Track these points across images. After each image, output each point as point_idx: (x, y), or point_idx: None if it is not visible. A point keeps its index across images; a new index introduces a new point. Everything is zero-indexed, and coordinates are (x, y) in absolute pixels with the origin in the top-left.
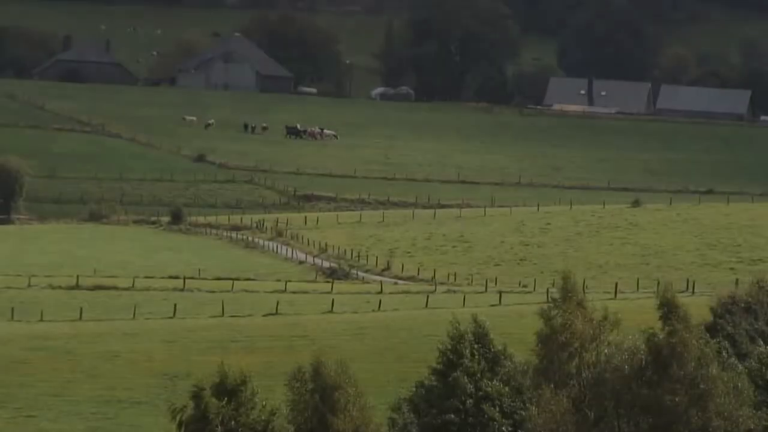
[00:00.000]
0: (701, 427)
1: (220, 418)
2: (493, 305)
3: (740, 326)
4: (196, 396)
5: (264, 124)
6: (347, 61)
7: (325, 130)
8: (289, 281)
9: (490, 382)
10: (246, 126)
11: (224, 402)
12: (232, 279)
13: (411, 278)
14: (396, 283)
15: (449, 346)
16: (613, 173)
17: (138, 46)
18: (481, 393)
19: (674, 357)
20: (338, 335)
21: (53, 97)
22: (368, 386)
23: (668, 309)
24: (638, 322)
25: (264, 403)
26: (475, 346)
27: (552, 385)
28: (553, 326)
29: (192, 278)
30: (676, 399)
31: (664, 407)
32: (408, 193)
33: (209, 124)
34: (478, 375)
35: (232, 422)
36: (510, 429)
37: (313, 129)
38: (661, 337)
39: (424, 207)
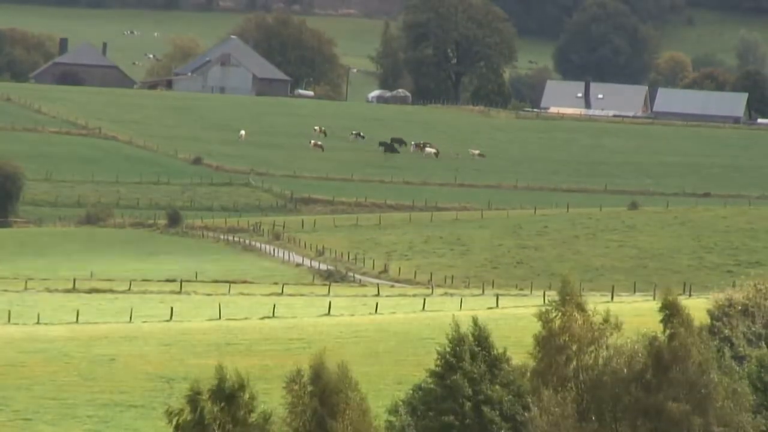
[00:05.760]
0: None
1: (217, 423)
2: (490, 308)
3: (737, 329)
4: (193, 400)
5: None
6: (353, 70)
7: (426, 147)
8: (286, 284)
9: (490, 385)
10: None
11: (222, 406)
12: (229, 282)
13: (408, 281)
14: (393, 286)
15: (449, 349)
16: (609, 176)
17: (134, 49)
18: (481, 396)
19: (675, 361)
20: (335, 338)
21: (50, 100)
22: (365, 389)
23: (670, 312)
24: (635, 325)
25: (262, 407)
26: (476, 349)
27: (552, 388)
28: (552, 329)
29: (189, 281)
30: (677, 404)
31: (664, 412)
32: (405, 196)
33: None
34: (478, 379)
35: (230, 426)
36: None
37: (419, 143)
38: (662, 340)
39: (421, 210)
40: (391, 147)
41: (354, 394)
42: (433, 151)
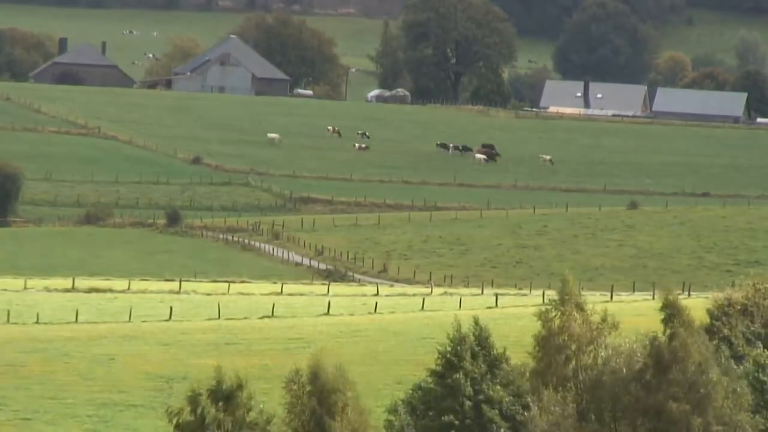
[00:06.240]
0: None
1: (216, 422)
2: (489, 308)
3: (736, 329)
4: (193, 400)
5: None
6: (353, 70)
7: (477, 155)
8: (286, 284)
9: (491, 384)
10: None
11: (220, 405)
12: (228, 281)
13: (407, 281)
14: (392, 286)
15: (449, 348)
16: (609, 176)
17: (134, 48)
18: (481, 396)
19: (675, 361)
20: (334, 338)
21: (49, 100)
22: (364, 389)
23: (671, 312)
24: (634, 325)
25: (261, 406)
26: (477, 348)
27: (551, 388)
28: (551, 328)
29: (188, 281)
30: (676, 404)
31: (664, 412)
32: (404, 196)
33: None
34: (479, 378)
35: (229, 425)
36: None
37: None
38: (662, 340)
39: (420, 210)
40: (491, 154)
41: (351, 393)
42: (483, 157)
